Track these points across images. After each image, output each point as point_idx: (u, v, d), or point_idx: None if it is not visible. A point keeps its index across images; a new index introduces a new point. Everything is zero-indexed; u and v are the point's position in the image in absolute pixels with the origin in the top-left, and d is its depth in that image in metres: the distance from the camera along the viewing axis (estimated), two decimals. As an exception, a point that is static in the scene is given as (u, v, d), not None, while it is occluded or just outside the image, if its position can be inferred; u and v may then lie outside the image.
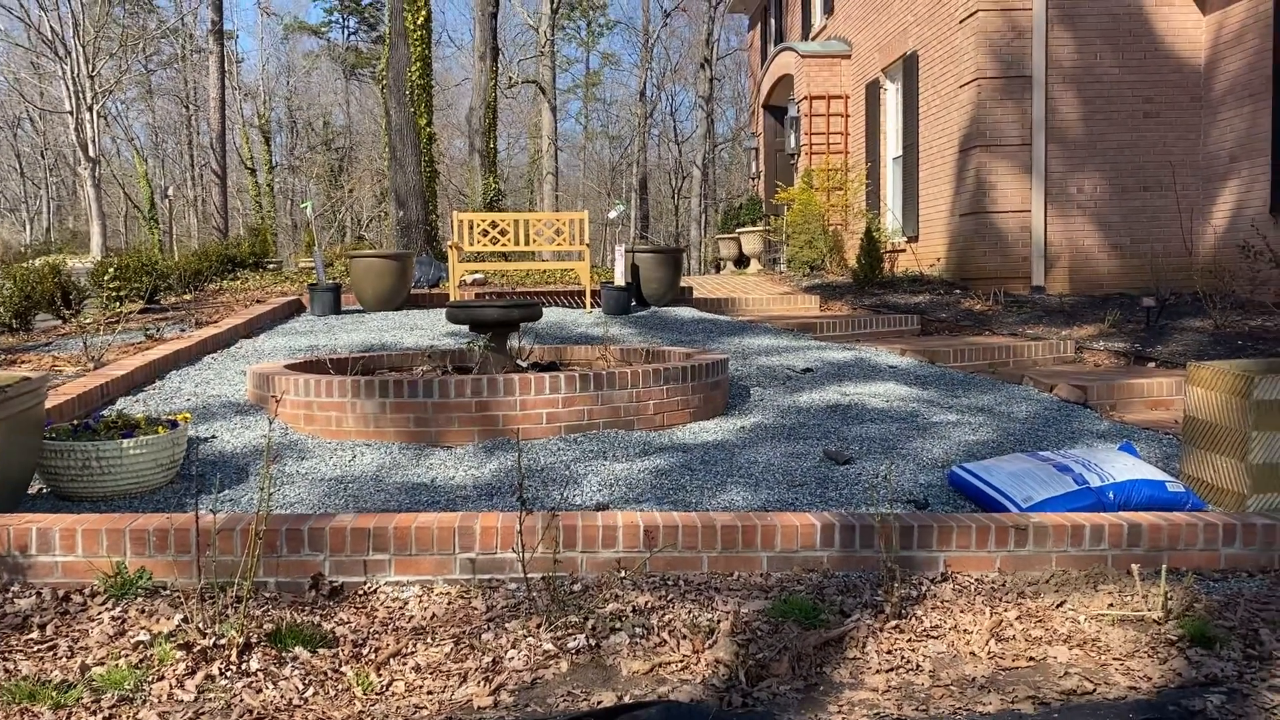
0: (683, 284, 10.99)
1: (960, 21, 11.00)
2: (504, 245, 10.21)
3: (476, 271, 10.54)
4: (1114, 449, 4.83)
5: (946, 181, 11.60)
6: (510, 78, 40.42)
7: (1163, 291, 9.55)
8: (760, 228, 16.07)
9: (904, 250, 13.08)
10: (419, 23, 12.93)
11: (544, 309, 9.93)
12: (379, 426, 5.25)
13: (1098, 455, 4.63)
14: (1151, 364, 7.92)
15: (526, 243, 10.25)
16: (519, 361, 6.90)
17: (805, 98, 15.70)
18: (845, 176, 15.44)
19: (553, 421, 5.33)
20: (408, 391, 5.23)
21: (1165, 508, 4.30)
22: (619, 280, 9.73)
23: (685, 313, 9.73)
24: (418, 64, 13.01)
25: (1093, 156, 10.73)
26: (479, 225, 10.16)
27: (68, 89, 31.35)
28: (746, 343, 8.43)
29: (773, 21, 21.32)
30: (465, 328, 7.87)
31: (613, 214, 10.29)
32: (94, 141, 31.43)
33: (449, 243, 9.86)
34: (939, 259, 11.88)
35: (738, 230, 16.85)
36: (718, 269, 18.34)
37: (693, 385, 5.87)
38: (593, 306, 9.77)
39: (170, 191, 44.21)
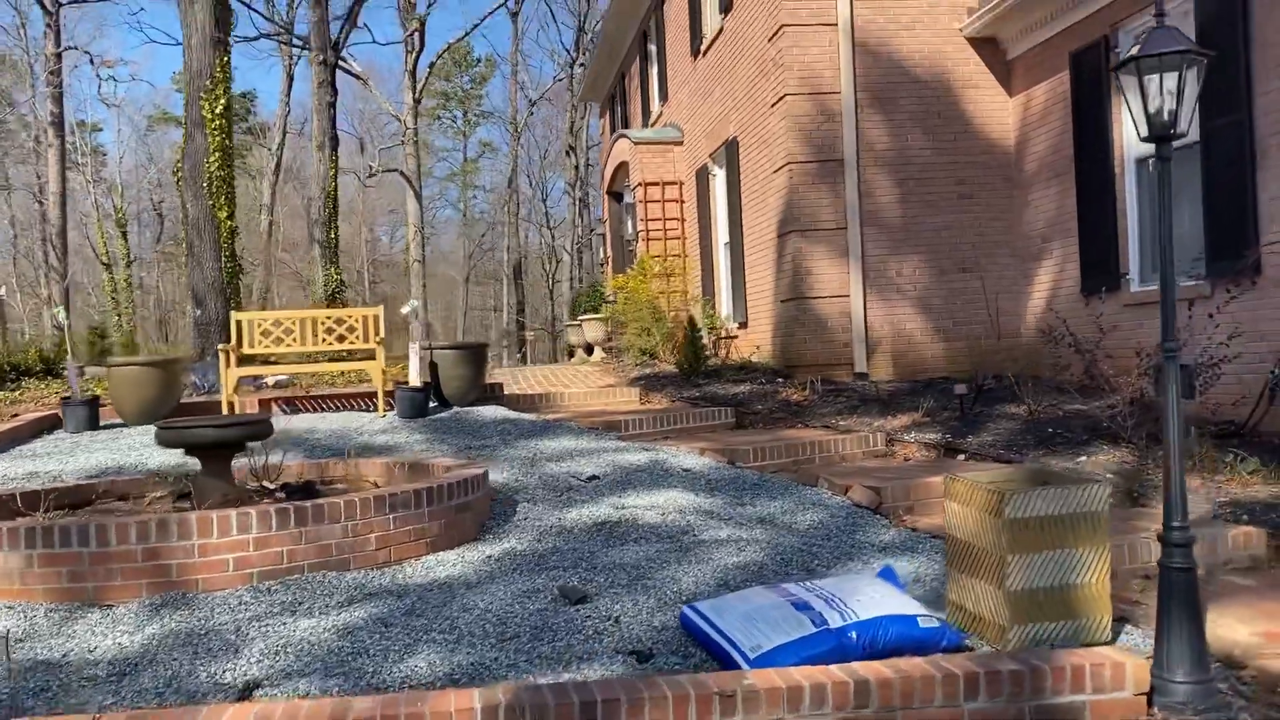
0: (493, 380, 10.32)
1: (771, 106, 10.80)
2: (289, 345, 9.39)
3: (253, 376, 9.66)
4: (872, 575, 4.29)
5: (768, 267, 11.29)
6: (371, 166, 39.81)
7: (980, 377, 9.29)
8: (601, 315, 15.59)
9: (736, 337, 12.71)
10: (217, 111, 12.18)
11: (334, 414, 9.13)
12: (25, 584, 4.37)
13: (848, 586, 4.06)
14: (962, 456, 7.54)
15: (315, 342, 9.46)
16: (266, 484, 6.08)
17: (640, 184, 15.42)
18: (684, 262, 15.12)
19: (242, 567, 4.53)
20: (59, 539, 4.37)
21: (917, 648, 3.74)
22: (414, 380, 9.00)
23: (490, 412, 9.04)
24: (216, 154, 12.22)
25: (910, 239, 10.55)
26: (260, 325, 9.34)
27: None
28: (543, 446, 7.77)
29: (619, 108, 21.22)
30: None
31: (405, 309, 9.56)
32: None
33: (221, 347, 9.00)
34: (765, 346, 11.51)
35: (580, 318, 16.35)
36: (570, 356, 17.74)
37: (430, 511, 5.16)
38: (387, 409, 9.01)
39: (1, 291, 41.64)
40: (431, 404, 9.31)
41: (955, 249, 10.62)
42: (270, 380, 10.21)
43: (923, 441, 7.87)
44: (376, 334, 9.43)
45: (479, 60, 57.01)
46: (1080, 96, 9.44)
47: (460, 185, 59.80)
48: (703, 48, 13.63)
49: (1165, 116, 3.59)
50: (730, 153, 12.63)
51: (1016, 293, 10.62)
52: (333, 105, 21.15)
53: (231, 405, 8.95)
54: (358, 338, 9.45)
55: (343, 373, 9.93)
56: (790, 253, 10.57)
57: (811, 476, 6.87)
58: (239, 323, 9.27)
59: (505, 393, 10.05)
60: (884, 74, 10.49)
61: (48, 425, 8.75)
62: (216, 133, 12.21)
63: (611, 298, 15.47)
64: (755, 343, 11.91)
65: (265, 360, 9.81)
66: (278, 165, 45.50)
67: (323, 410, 9.46)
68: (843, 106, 10.38)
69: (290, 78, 44.40)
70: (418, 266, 40.28)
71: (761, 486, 6.64)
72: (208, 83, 12.19)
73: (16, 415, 9.15)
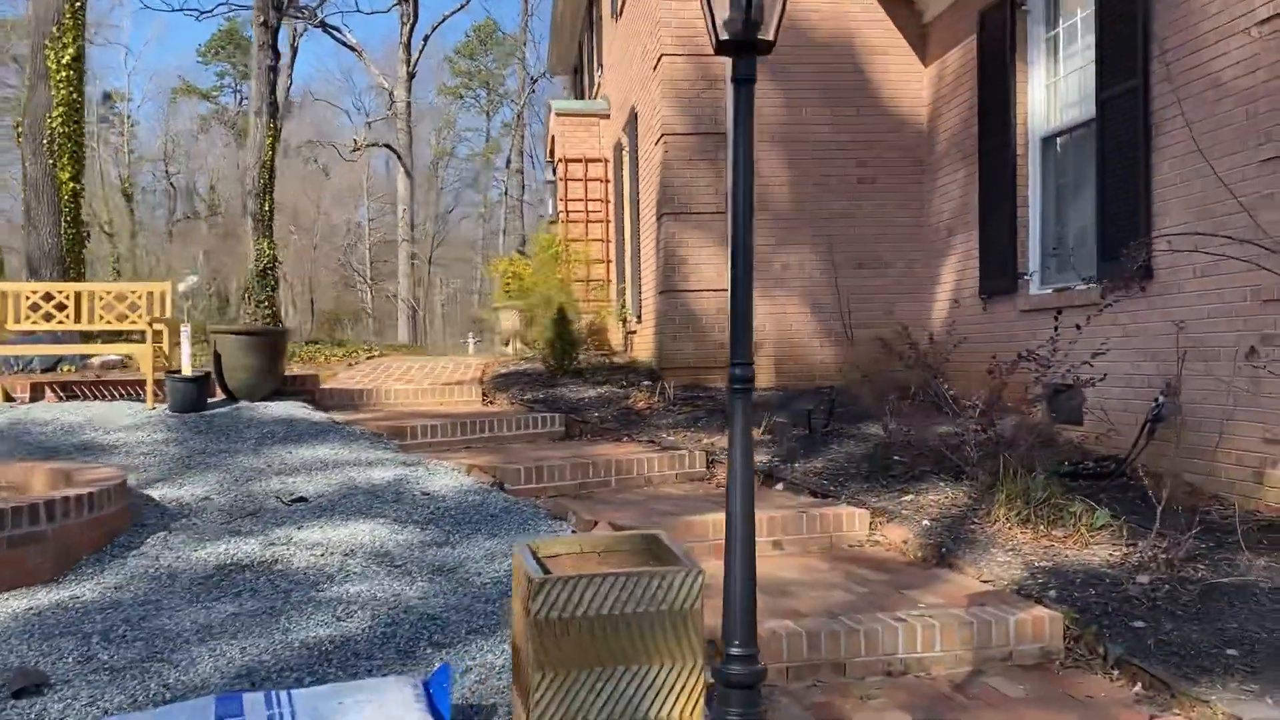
0: (308, 372, 9.09)
1: (653, 69, 9.46)
2: (61, 322, 8.23)
3: (17, 356, 8.51)
4: (412, 683, 3.00)
5: (652, 255, 9.97)
6: (355, 140, 38.76)
7: (857, 390, 7.93)
8: (514, 304, 14.30)
9: (636, 333, 11.40)
10: (64, 61, 11.03)
11: (99, 403, 7.95)
12: None
13: (352, 699, 2.79)
14: (779, 485, 6.22)
15: (90, 319, 8.28)
16: None
17: (561, 160, 14.12)
18: (607, 248, 13.83)
19: None
20: None
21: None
22: (185, 369, 7.79)
23: (277, 410, 7.81)
24: (60, 109, 11.07)
25: (802, 227, 9.17)
26: (29, 298, 8.18)
27: None
28: (290, 455, 6.53)
29: (581, 80, 19.92)
30: None
31: (182, 286, 8.35)
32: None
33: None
34: (650, 344, 10.19)
35: (495, 307, 15.09)
36: (507, 345, 16.52)
37: (-42, 546, 3.93)
38: (158, 401, 7.81)
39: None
40: (214, 398, 8.11)
41: (853, 241, 9.22)
42: (38, 364, 9.05)
43: (745, 466, 6.54)
44: (161, 313, 8.24)
45: (504, 38, 55.82)
46: (985, 61, 8.02)
47: (483, 165, 58.68)
48: (619, 7, 12.29)
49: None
50: (631, 124, 11.32)
51: (923, 294, 9.22)
52: (273, 69, 20.00)
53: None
54: (140, 316, 8.26)
55: (132, 355, 8.71)
56: (664, 239, 9.24)
57: (564, 509, 5.57)
58: (3, 294, 8.11)
59: (321, 386, 8.82)
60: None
61: None
62: (62, 85, 11.07)
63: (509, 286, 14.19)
64: (647, 340, 10.60)
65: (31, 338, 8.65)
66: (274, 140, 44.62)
67: (94, 398, 8.28)
68: (728, 71, 9.01)
69: (294, 50, 43.56)
70: (406, 247, 39.27)
71: (498, 519, 5.36)
72: (54, 29, 11.04)
73: None
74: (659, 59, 9.14)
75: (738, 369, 2.41)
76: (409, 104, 39.29)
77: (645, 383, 8.80)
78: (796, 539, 5.31)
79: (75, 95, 11.24)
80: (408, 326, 39.23)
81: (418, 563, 4.62)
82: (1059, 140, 7.40)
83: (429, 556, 4.72)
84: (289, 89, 46.75)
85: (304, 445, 6.83)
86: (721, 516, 5.18)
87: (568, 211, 14.04)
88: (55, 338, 9.16)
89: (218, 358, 8.04)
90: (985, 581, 4.56)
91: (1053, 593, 4.25)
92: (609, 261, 13.88)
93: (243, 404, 8.02)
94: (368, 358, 12.39)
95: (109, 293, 8.33)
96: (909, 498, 5.68)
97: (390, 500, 5.61)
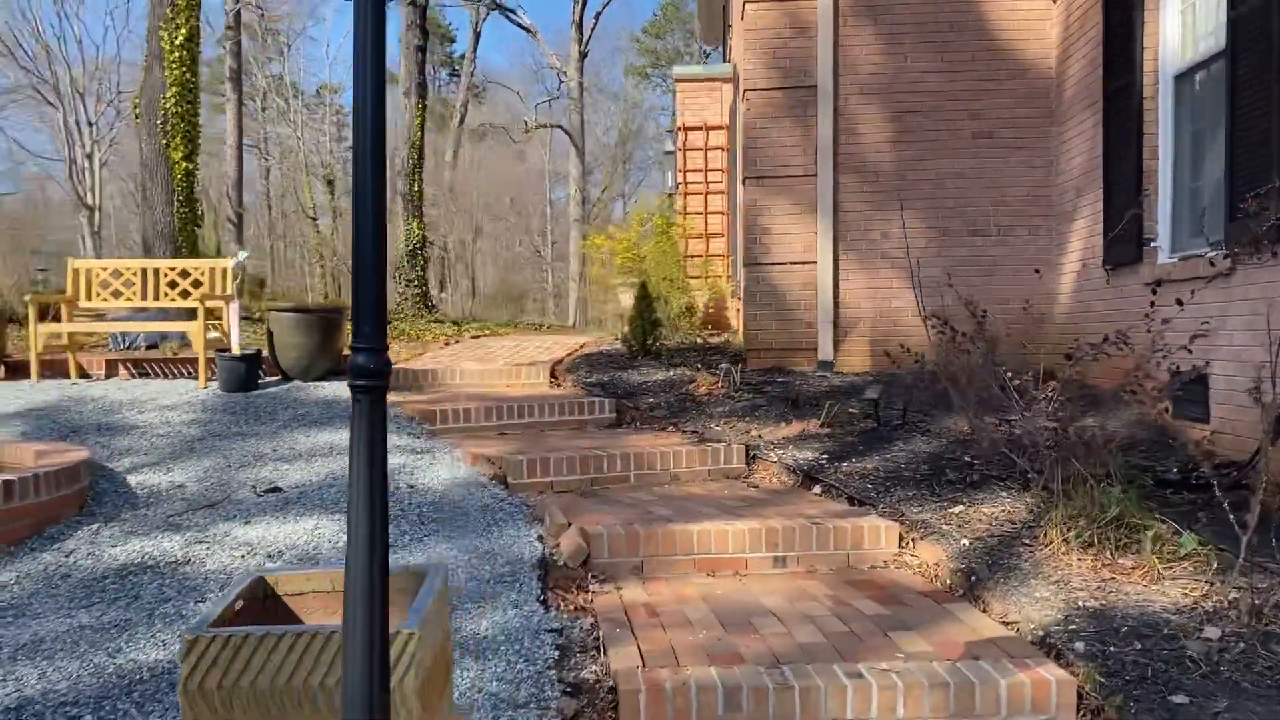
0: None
1: (740, 18, 8.58)
2: (128, 299, 8.21)
3: (122, 333, 8.54)
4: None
5: (742, 225, 9.11)
6: (526, 121, 39.04)
7: (949, 372, 6.85)
8: (632, 281, 13.67)
9: (739, 311, 10.58)
10: (177, 42, 11.17)
11: (157, 382, 7.87)
12: None
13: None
14: (817, 488, 5.33)
15: (156, 296, 8.23)
16: None
17: (681, 128, 13.36)
18: (725, 222, 13.01)
19: None
20: None
21: None
22: (235, 347, 7.59)
23: (325, 391, 7.52)
24: (175, 89, 11.22)
25: (905, 191, 8.10)
26: (99, 275, 8.20)
27: (69, 135, 31.23)
28: (312, 439, 6.18)
29: (725, 45, 19.04)
30: None
31: (231, 262, 8.15)
32: (93, 190, 31.15)
33: (30, 296, 7.91)
34: (740, 324, 9.37)
35: (613, 284, 14.49)
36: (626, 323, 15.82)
37: None
38: (210, 380, 7.65)
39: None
40: (267, 376, 7.90)
41: (967, 204, 8.07)
42: (143, 341, 9.11)
43: (786, 462, 5.69)
44: (222, 290, 8.10)
45: (686, 15, 55.26)
46: (1111, -12, 6.74)
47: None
48: (732, -37, 11.39)
49: None
50: (737, 84, 10.45)
51: (1050, 263, 7.97)
52: (421, 49, 20.11)
53: (58, 365, 7.87)
54: (205, 291, 8.14)
55: (177, 337, 8.64)
56: (746, 206, 8.38)
57: (545, 509, 4.90)
58: (75, 271, 8.16)
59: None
60: (884, -25, 8.06)
61: None
62: (175, 65, 11.22)
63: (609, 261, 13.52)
64: (744, 319, 9.77)
65: (98, 315, 8.71)
66: (460, 120, 45.82)
67: (163, 376, 8.23)
68: (819, 17, 8.04)
69: (476, 35, 44.54)
70: (577, 227, 39.36)
71: (468, 518, 4.77)
72: (168, 10, 11.20)
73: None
74: (743, 6, 8.26)
75: (360, 356, 1.68)
76: (580, 84, 39.29)
77: (723, 365, 7.98)
78: (805, 555, 4.45)
79: (189, 76, 11.38)
80: (578, 305, 39.38)
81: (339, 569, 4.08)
82: (1196, 77, 6.08)
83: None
84: (472, 73, 47.98)
85: (327, 429, 6.46)
86: (723, 527, 4.43)
87: (686, 183, 13.29)
88: (163, 314, 9.23)
89: (271, 336, 7.81)
90: (1006, 624, 3.60)
91: (1081, 644, 3.26)
92: (727, 235, 13.05)
93: (295, 384, 7.78)
94: (471, 336, 12.08)
95: (173, 269, 8.25)
96: (958, 509, 4.70)
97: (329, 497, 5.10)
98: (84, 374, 8.28)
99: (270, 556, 4.19)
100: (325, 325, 7.81)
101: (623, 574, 4.32)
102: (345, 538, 3.93)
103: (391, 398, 7.40)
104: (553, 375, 8.49)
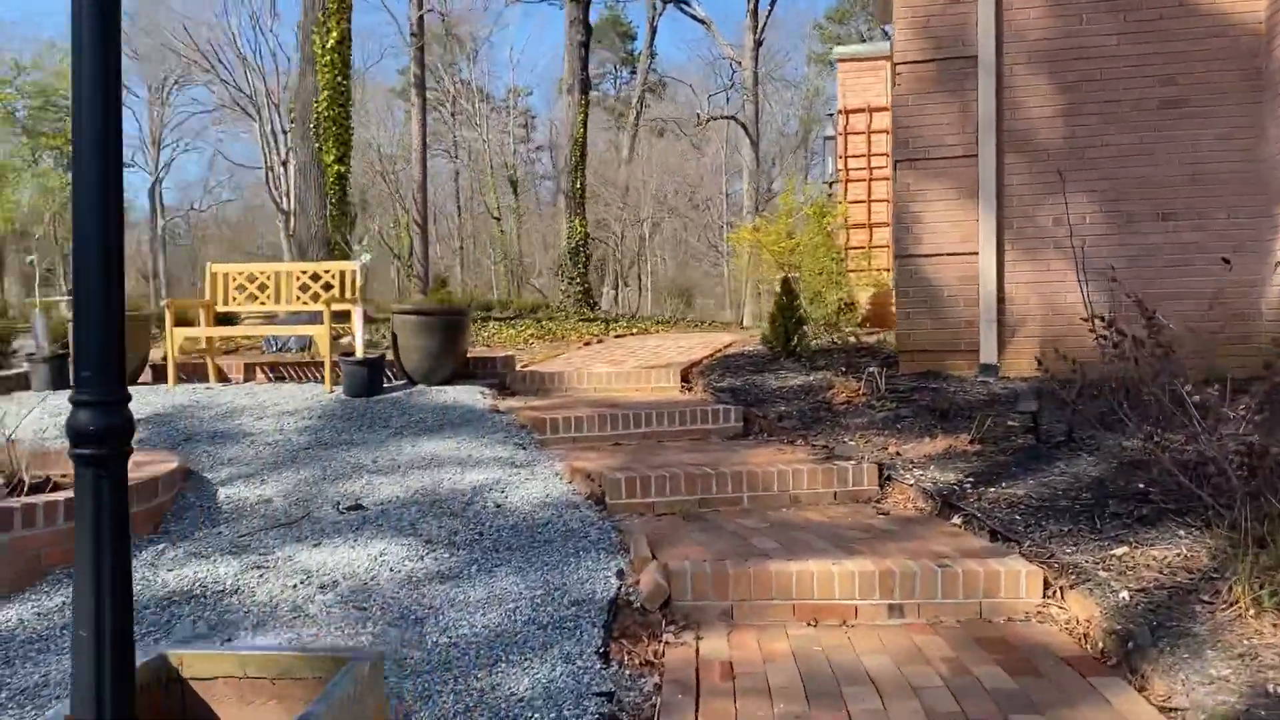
0: (498, 354, 8.48)
1: (891, -13, 7.79)
2: (263, 302, 8.22)
3: (275, 336, 8.57)
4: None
5: (893, 213, 8.31)
6: (699, 114, 38.50)
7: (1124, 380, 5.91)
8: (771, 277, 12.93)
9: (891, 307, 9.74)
10: (328, 45, 11.27)
11: (286, 386, 7.83)
12: None
13: None
14: (956, 519, 4.59)
15: (289, 299, 8.20)
16: None
17: (841, 111, 12.56)
18: (890, 211, 12.12)
19: None
20: None
21: None
22: (359, 350, 7.43)
23: (447, 395, 7.26)
24: (326, 93, 11.33)
25: (1079, 170, 7.13)
26: (235, 279, 8.24)
27: (265, 144, 32.99)
28: (416, 449, 5.90)
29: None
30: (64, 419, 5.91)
31: (356, 263, 7.99)
32: (286, 195, 32.78)
33: (169, 301, 8.00)
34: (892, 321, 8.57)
35: (769, 279, 13.78)
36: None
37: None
38: (335, 384, 7.53)
39: (365, 258, 46.00)
40: (392, 380, 7.72)
41: (1154, 185, 7.02)
42: (294, 344, 9.15)
43: (924, 485, 4.96)
44: (351, 293, 7.98)
45: (869, -1, 53.55)
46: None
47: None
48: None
49: None
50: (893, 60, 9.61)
51: (1256, 251, 6.82)
52: (584, 45, 19.97)
53: (188, 368, 7.96)
54: (335, 295, 8.05)
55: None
56: (898, 191, 7.60)
57: (633, 537, 4.38)
58: (214, 275, 8.23)
59: (516, 369, 8.18)
60: (1054, -73, 7.11)
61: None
62: (327, 69, 11.34)
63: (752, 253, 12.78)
64: (896, 317, 8.95)
65: (230, 319, 8.75)
66: (637, 116, 45.90)
67: (297, 380, 8.20)
68: (977, -25, 7.17)
69: (652, 30, 44.54)
70: (752, 220, 38.58)
71: (549, 545, 4.32)
72: (319, 15, 11.32)
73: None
74: (892, -28, 7.49)
75: (81, 414, 1.20)
76: (755, 74, 38.49)
77: (869, 369, 7.25)
78: (928, 604, 3.77)
79: (340, 79, 11.48)
80: (752, 300, 38.67)
81: (392, 605, 3.70)
82: None
83: (413, 597, 3.78)
84: (649, 68, 48.01)
85: (435, 438, 6.17)
86: (829, 567, 3.79)
87: (847, 169, 12.49)
88: (312, 318, 9.29)
89: (394, 338, 7.63)
90: (1169, 710, 2.83)
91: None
92: (891, 224, 12.15)
93: (419, 388, 7.56)
94: (616, 336, 11.70)
95: (304, 272, 8.20)
96: (1120, 551, 3.88)
97: (451, 512, 4.74)
98: (223, 378, 8.35)
99: (324, 587, 3.86)
100: (447, 327, 7.56)
101: (708, 619, 3.76)
102: (410, 565, 3.54)
103: (508, 403, 7.08)
104: (685, 379, 7.97)
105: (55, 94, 38.61)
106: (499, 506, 4.84)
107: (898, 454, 5.48)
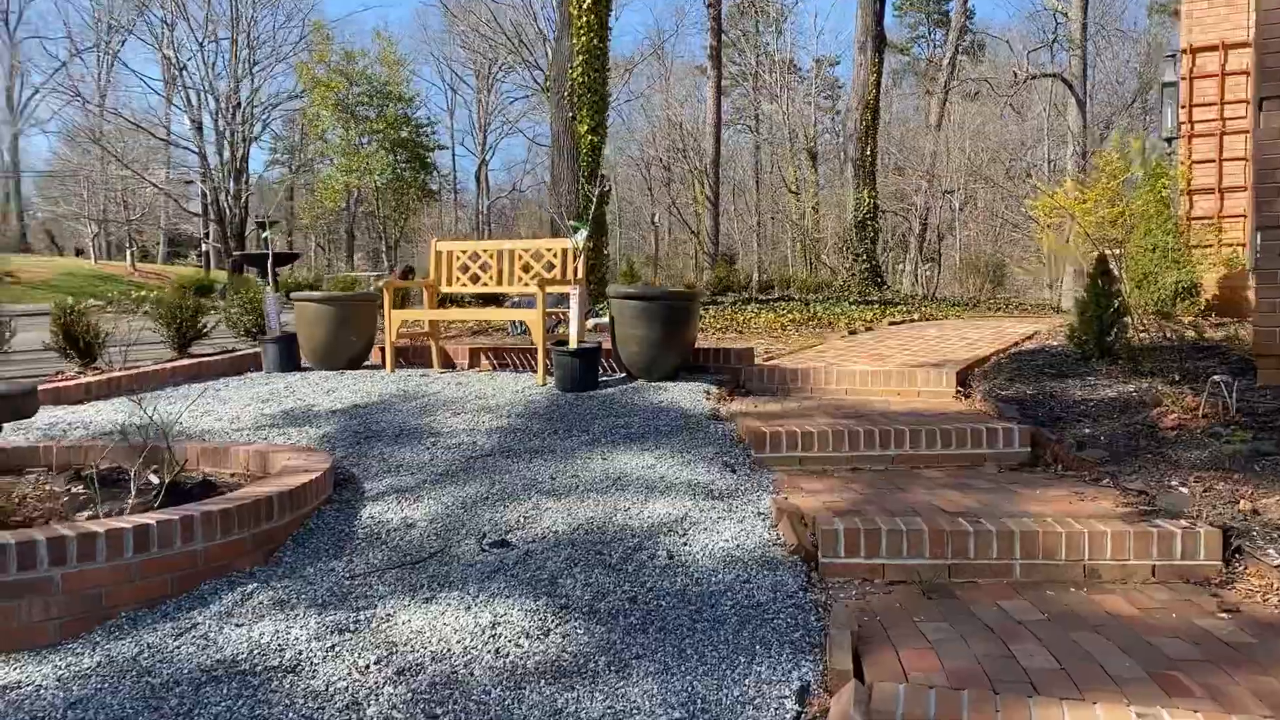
0: (735, 346, 7.29)
1: None
2: (485, 284, 7.53)
3: (411, 319, 7.90)
4: None
5: (1253, 169, 6.28)
6: (1015, 73, 34.92)
7: None
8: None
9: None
10: (585, 6, 10.49)
11: (503, 374, 7.09)
12: None
13: None
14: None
15: (511, 280, 7.45)
16: (151, 477, 4.43)
17: (1186, 50, 10.25)
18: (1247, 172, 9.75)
19: None
20: None
21: None
22: (572, 339, 6.52)
23: (667, 394, 6.22)
24: (581, 57, 10.56)
25: None
26: (459, 258, 7.61)
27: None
28: (606, 464, 4.91)
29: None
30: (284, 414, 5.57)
31: (569, 244, 7.06)
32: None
33: (385, 281, 7.46)
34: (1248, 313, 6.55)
35: (1078, 256, 11.55)
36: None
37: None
38: (549, 374, 6.69)
39: (655, 219, 45.85)
40: (610, 374, 6.77)
41: None
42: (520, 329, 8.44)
43: (1301, 569, 3.30)
44: (572, 274, 7.10)
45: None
46: None
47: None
48: None
49: None
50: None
51: None
52: None
53: (403, 351, 7.43)
54: (556, 275, 7.21)
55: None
56: (1259, 139, 5.64)
57: (836, 634, 3.06)
58: (438, 254, 7.64)
59: (754, 363, 6.97)
60: None
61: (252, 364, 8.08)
62: (583, 31, 10.58)
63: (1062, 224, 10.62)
64: (1256, 309, 6.90)
65: (457, 300, 8.10)
66: (947, 79, 42.84)
67: (518, 368, 7.45)
68: None
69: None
70: (1076, 187, 34.65)
71: (718, 629, 3.15)
72: (576, -26, 10.59)
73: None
74: None
75: None
76: (1084, 25, 34.47)
77: (1215, 378, 5.41)
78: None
79: (596, 42, 10.69)
80: (1073, 279, 34.85)
81: (473, 714, 2.67)
82: None
83: (505, 703, 2.73)
84: (963, 27, 44.77)
85: (633, 450, 5.13)
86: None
87: (1191, 122, 10.17)
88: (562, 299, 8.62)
89: (612, 325, 6.67)
90: None
91: None
92: (1251, 189, 9.74)
93: (636, 384, 6.57)
94: (890, 323, 10.14)
95: (526, 250, 7.42)
96: None
97: (607, 563, 3.66)
98: (448, 363, 7.79)
99: (401, 672, 2.90)
100: (670, 314, 6.49)
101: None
102: (523, 647, 2.47)
103: (732, 407, 5.93)
104: (961, 383, 6.44)
105: (380, 81, 41.48)
106: (671, 559, 3.70)
107: (1254, 512, 3.79)
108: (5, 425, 4.80)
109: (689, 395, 6.21)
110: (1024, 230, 45.77)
